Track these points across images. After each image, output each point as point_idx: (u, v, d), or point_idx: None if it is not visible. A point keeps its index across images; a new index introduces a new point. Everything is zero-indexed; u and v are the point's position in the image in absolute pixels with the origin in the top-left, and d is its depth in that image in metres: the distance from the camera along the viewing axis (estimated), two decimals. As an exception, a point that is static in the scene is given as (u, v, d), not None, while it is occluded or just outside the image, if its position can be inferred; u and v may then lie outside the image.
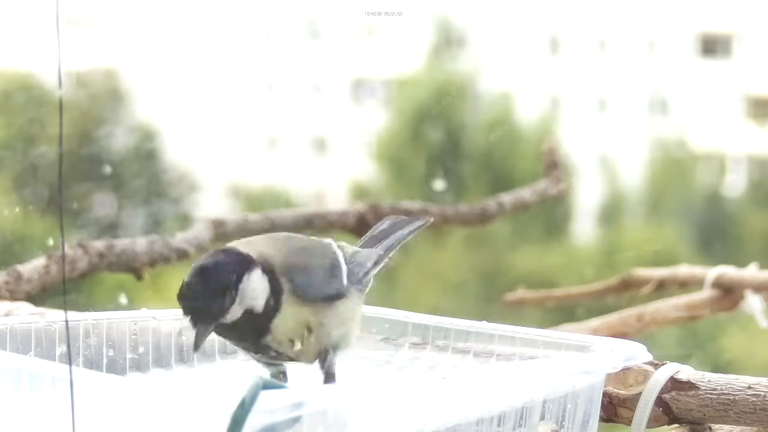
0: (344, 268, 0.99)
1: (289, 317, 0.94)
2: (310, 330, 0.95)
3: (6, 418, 0.81)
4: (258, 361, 0.98)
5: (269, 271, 0.93)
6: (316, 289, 0.96)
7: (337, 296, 0.97)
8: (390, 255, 1.06)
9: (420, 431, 0.81)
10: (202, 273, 0.90)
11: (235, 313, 0.91)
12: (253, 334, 0.94)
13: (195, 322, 0.90)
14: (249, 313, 0.92)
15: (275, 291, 0.93)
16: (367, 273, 1.02)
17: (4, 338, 0.96)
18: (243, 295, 0.91)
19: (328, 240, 1.03)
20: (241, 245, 0.96)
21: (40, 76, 2.93)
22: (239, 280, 0.91)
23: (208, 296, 0.90)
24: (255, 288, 0.92)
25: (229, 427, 0.68)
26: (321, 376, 0.97)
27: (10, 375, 0.81)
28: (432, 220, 1.14)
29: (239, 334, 0.94)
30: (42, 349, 0.98)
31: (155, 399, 0.75)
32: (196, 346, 0.90)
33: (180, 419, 0.72)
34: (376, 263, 1.03)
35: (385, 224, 1.10)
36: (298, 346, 0.95)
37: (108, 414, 0.76)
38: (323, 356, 0.97)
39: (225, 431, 0.68)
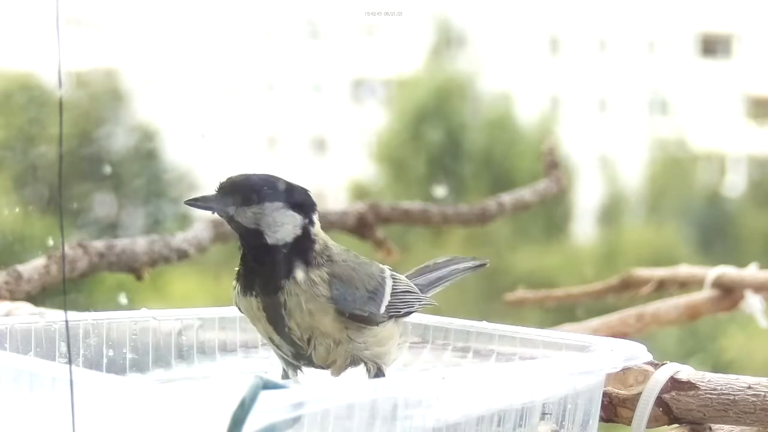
0: (387, 298, 0.99)
1: (306, 314, 0.94)
2: (337, 343, 0.95)
3: (6, 418, 0.81)
4: (280, 355, 0.98)
5: (308, 239, 0.95)
6: (347, 304, 0.96)
7: (369, 320, 0.97)
8: (436, 290, 1.09)
9: (421, 430, 0.81)
10: (260, 175, 0.95)
11: (245, 218, 0.93)
12: (263, 277, 0.94)
13: (218, 192, 0.93)
14: (258, 239, 0.93)
15: (294, 256, 0.94)
16: (410, 313, 1.03)
17: (4, 338, 0.96)
18: (264, 212, 0.93)
19: (385, 267, 1.03)
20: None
21: (40, 76, 2.93)
22: (273, 198, 0.94)
23: (242, 184, 0.94)
24: (282, 222, 0.94)
25: (229, 427, 0.68)
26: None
27: (11, 375, 0.81)
28: (487, 263, 1.15)
29: (248, 271, 0.95)
30: (42, 349, 0.98)
31: (155, 399, 0.74)
32: (194, 200, 0.93)
33: (180, 419, 0.72)
34: (420, 304, 1.05)
35: (442, 259, 1.13)
36: (321, 351, 0.95)
37: (108, 414, 0.76)
38: (371, 372, 0.98)
39: (225, 431, 0.68)
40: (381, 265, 1.03)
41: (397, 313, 1.00)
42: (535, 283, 2.16)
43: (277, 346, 0.97)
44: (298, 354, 0.96)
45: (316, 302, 0.94)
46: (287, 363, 0.99)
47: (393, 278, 1.02)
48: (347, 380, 0.99)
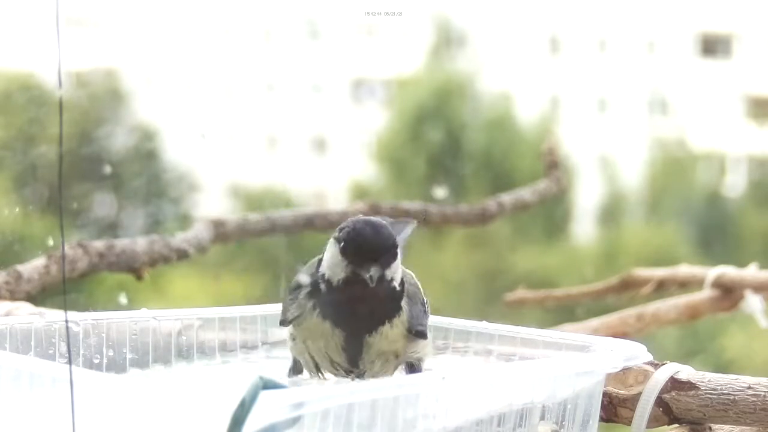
0: (428, 305, 1.00)
1: (386, 343, 0.94)
2: (397, 356, 0.96)
3: (6, 417, 0.81)
4: (319, 366, 0.98)
5: (403, 273, 0.95)
6: (414, 323, 0.96)
7: (424, 334, 0.97)
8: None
9: (421, 430, 0.81)
10: (375, 223, 0.93)
11: (390, 272, 0.92)
12: (367, 320, 0.93)
13: (374, 258, 0.91)
14: (386, 287, 0.92)
15: (401, 296, 0.94)
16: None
17: (4, 338, 0.96)
18: (396, 263, 0.93)
19: (410, 273, 1.01)
20: None
21: (40, 76, 2.93)
22: (396, 249, 0.93)
23: (386, 237, 0.92)
24: (398, 265, 0.93)
25: (229, 427, 0.68)
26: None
27: (10, 375, 0.81)
28: (420, 220, 1.13)
29: (352, 312, 0.93)
30: (42, 349, 0.98)
31: (155, 399, 0.75)
32: (373, 280, 0.90)
33: (180, 419, 0.72)
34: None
35: None
36: (378, 366, 0.95)
37: (108, 414, 0.76)
38: (412, 370, 0.98)
39: (225, 431, 0.68)
40: (407, 271, 1.01)
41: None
42: (535, 283, 2.16)
43: (332, 363, 0.96)
44: (352, 370, 0.96)
45: (398, 333, 0.95)
46: (322, 371, 0.98)
47: (413, 277, 1.01)
48: (347, 380, 0.99)
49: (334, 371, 0.97)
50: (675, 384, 0.97)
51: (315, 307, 0.95)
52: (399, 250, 0.93)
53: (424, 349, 0.98)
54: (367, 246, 0.92)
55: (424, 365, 0.99)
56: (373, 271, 0.91)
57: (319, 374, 0.98)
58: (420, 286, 1.00)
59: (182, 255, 1.65)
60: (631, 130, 6.50)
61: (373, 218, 0.94)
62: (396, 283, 0.93)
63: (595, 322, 1.70)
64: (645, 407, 0.96)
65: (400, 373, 0.99)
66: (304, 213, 1.86)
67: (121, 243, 1.59)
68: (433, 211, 2.05)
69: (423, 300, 0.99)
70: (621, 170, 6.41)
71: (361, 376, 0.96)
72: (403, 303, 0.95)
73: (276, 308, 1.02)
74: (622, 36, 6.45)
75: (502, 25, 6.31)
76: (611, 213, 6.31)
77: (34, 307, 1.24)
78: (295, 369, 1.01)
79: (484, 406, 0.85)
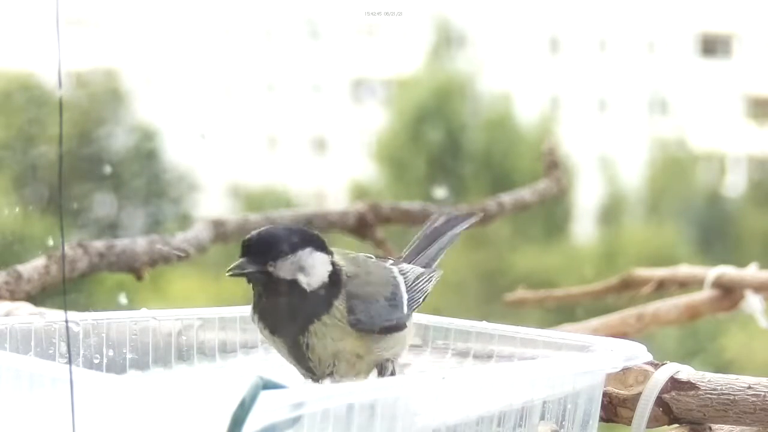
0: (405, 296, 0.99)
1: (329, 342, 0.94)
2: (360, 357, 0.95)
3: (6, 417, 0.81)
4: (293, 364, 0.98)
5: (337, 272, 0.95)
6: (374, 321, 0.95)
7: (396, 327, 0.97)
8: (439, 259, 1.07)
9: (421, 430, 0.81)
10: (276, 227, 0.95)
11: (284, 270, 0.92)
12: (290, 323, 0.94)
13: (247, 253, 0.92)
14: (294, 288, 0.92)
15: (329, 294, 0.94)
16: (426, 296, 1.02)
17: (4, 338, 0.96)
18: (299, 261, 0.93)
19: (389, 265, 1.02)
20: (337, 252, 0.97)
21: (40, 76, 2.93)
22: (303, 246, 0.93)
23: (270, 239, 0.93)
24: (314, 264, 0.93)
25: (229, 427, 0.68)
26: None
27: (10, 375, 0.81)
28: (482, 215, 1.13)
29: (276, 317, 0.94)
30: (42, 349, 0.98)
31: (155, 399, 0.74)
32: (232, 270, 0.92)
33: (180, 419, 0.72)
34: (432, 282, 1.04)
35: (439, 222, 1.10)
36: (343, 369, 0.95)
37: (108, 414, 0.76)
38: (387, 371, 0.97)
39: (225, 431, 0.68)
40: (386, 264, 1.02)
41: (417, 304, 1.00)
42: (535, 283, 2.16)
43: (297, 367, 0.97)
44: (316, 375, 0.96)
45: (338, 331, 0.94)
46: (305, 377, 0.99)
47: (401, 272, 1.01)
48: (347, 380, 0.99)
49: (307, 375, 0.97)
50: (675, 384, 0.97)
51: (256, 316, 0.96)
52: (310, 252, 0.93)
53: (393, 348, 0.97)
54: (254, 241, 0.93)
55: (398, 365, 0.98)
56: (242, 265, 0.92)
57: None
58: (399, 281, 0.99)
59: (182, 255, 1.65)
60: (631, 130, 6.50)
61: (287, 225, 0.97)
62: (309, 285, 0.93)
63: (595, 322, 1.70)
64: (645, 407, 0.96)
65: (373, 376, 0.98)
66: (304, 213, 1.86)
67: (121, 243, 1.59)
68: (433, 211, 2.05)
69: (393, 294, 0.98)
70: (621, 170, 6.41)
71: (332, 378, 0.96)
72: (338, 300, 0.94)
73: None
74: (622, 36, 6.45)
75: (502, 25, 6.31)
76: (611, 213, 6.31)
77: (34, 307, 1.24)
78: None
79: (484, 406, 0.85)
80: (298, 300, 0.93)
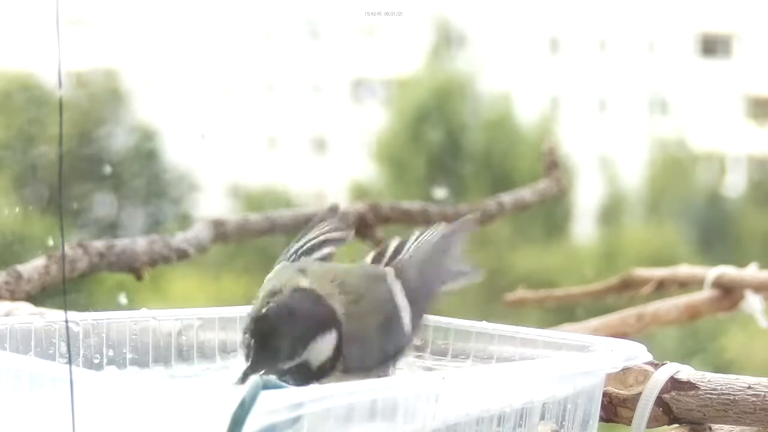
0: (406, 309, 0.93)
1: None
2: None
3: (6, 417, 0.81)
4: None
5: (340, 335, 0.87)
6: (366, 364, 0.90)
7: (395, 356, 0.93)
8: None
9: (420, 430, 0.81)
10: (284, 316, 0.86)
11: (294, 366, 0.86)
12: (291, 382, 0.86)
13: (254, 362, 0.85)
14: (302, 366, 0.86)
15: (333, 359, 0.87)
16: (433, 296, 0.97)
17: (4, 338, 0.96)
18: (310, 351, 0.86)
19: (383, 272, 0.94)
20: (321, 282, 0.89)
21: (40, 76, 2.93)
22: (315, 336, 0.86)
23: (280, 342, 0.86)
24: (322, 350, 0.87)
25: (229, 427, 0.68)
26: None
27: (10, 375, 0.81)
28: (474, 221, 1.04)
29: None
30: (42, 349, 0.98)
31: (155, 398, 0.74)
32: (241, 379, 0.83)
33: (180, 419, 0.72)
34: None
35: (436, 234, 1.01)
36: None
37: (108, 414, 0.76)
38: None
39: (225, 431, 0.68)
40: (378, 271, 0.95)
41: (421, 311, 0.95)
42: (535, 283, 2.16)
43: None
44: None
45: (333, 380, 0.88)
46: None
47: (398, 277, 0.95)
48: (347, 380, 0.99)
49: None
50: (675, 384, 0.97)
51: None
52: (316, 343, 0.86)
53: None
54: (264, 333, 0.86)
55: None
56: (248, 374, 0.83)
57: None
58: (396, 289, 0.93)
59: (182, 255, 1.65)
60: (631, 130, 6.50)
61: (297, 307, 0.87)
62: (320, 364, 0.86)
63: (595, 322, 1.70)
64: (645, 407, 0.96)
65: None
66: (304, 213, 1.86)
67: (121, 243, 1.59)
68: (433, 211, 2.05)
69: (390, 319, 0.92)
70: (621, 170, 6.41)
71: None
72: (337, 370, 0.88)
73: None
74: (622, 36, 6.45)
75: (502, 25, 6.31)
76: (611, 213, 6.31)
77: (34, 307, 1.24)
78: None
79: (484, 406, 0.85)
80: (300, 375, 0.86)
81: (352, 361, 0.88)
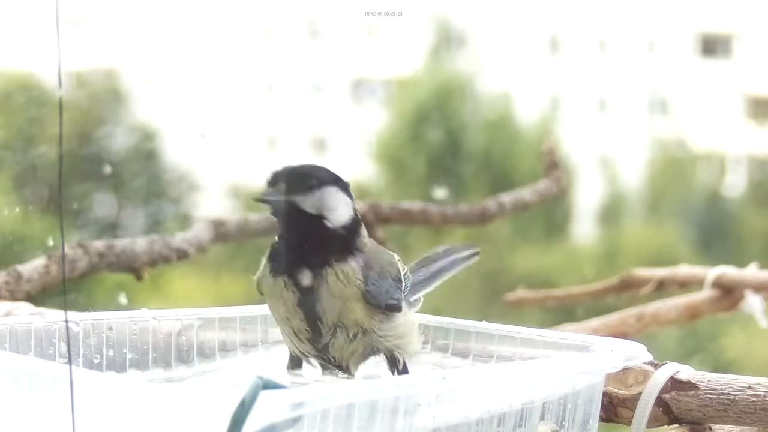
0: (403, 282, 1.01)
1: (338, 301, 0.95)
2: (361, 332, 0.96)
3: (6, 418, 0.81)
4: (293, 343, 0.98)
5: (359, 221, 0.97)
6: (382, 296, 0.97)
7: (397, 307, 0.98)
8: (439, 281, 1.09)
9: (421, 430, 0.81)
10: (304, 164, 0.97)
11: (309, 204, 0.94)
12: (307, 260, 0.94)
13: (274, 184, 0.94)
14: (316, 224, 0.94)
15: (348, 239, 0.95)
16: (417, 295, 1.04)
17: (4, 338, 0.96)
18: (324, 197, 0.94)
19: (393, 254, 1.04)
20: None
21: (40, 76, 2.93)
22: (329, 183, 0.95)
23: (297, 172, 0.95)
24: (338, 205, 0.95)
25: (229, 427, 0.68)
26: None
27: (10, 375, 0.81)
28: (479, 252, 1.14)
29: (293, 254, 0.95)
30: (42, 349, 0.98)
31: (155, 399, 0.74)
32: (259, 197, 0.94)
33: (180, 419, 0.72)
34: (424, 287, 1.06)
35: (441, 251, 1.12)
36: (340, 340, 0.95)
37: (108, 414, 0.76)
38: (392, 364, 0.98)
39: (225, 431, 0.68)
40: (387, 250, 1.04)
41: (408, 293, 1.02)
42: (535, 283, 2.16)
43: (295, 332, 0.97)
44: (315, 340, 0.96)
45: (352, 290, 0.95)
46: (300, 352, 0.99)
47: (400, 261, 1.03)
48: (347, 380, 0.99)
49: (302, 347, 0.98)
50: (675, 384, 0.97)
51: (268, 266, 0.98)
52: (336, 191, 0.95)
53: (397, 330, 0.98)
54: (283, 173, 0.96)
55: (408, 359, 0.99)
56: (268, 194, 0.94)
57: (305, 358, 0.99)
58: (400, 267, 1.01)
59: (182, 255, 1.66)
60: (631, 130, 6.50)
61: (314, 163, 0.98)
62: (331, 222, 0.95)
63: (595, 322, 1.70)
64: (645, 407, 0.96)
65: (379, 366, 0.99)
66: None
67: (121, 243, 1.59)
68: (433, 211, 2.05)
69: (398, 276, 1.00)
70: (621, 170, 6.41)
71: (326, 352, 0.96)
72: (354, 260, 0.95)
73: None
74: (622, 36, 6.44)
75: (502, 25, 6.31)
76: (611, 213, 6.30)
77: (34, 307, 1.24)
78: (292, 363, 1.02)
79: (484, 406, 0.85)
80: (319, 236, 0.95)
81: (371, 289, 0.95)
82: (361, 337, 0.96)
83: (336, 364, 0.98)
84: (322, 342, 0.96)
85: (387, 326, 0.97)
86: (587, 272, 4.61)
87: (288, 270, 0.95)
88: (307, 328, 0.96)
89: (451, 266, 1.10)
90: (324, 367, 1.00)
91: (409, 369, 1.00)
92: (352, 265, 0.95)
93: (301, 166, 0.96)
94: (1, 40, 3.10)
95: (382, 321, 0.97)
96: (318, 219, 0.94)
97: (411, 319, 1.00)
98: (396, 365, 0.98)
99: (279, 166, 0.96)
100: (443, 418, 0.82)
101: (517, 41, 6.30)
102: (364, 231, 0.99)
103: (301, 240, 0.95)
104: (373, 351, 0.98)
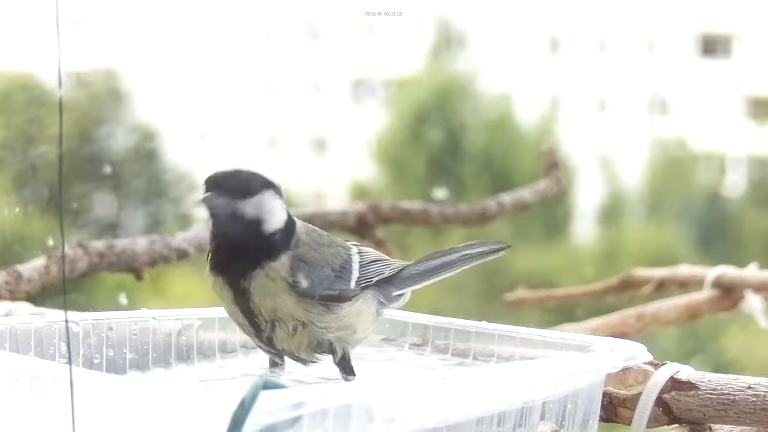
0: (356, 273, 1.00)
1: (269, 299, 0.96)
2: (301, 326, 0.96)
3: (6, 417, 0.81)
4: (257, 344, 1.00)
5: (292, 224, 0.98)
6: (314, 287, 0.97)
7: (339, 298, 0.98)
8: (442, 275, 1.07)
9: (420, 430, 0.81)
10: (241, 169, 0.97)
11: (248, 208, 0.95)
12: (238, 261, 0.96)
13: (215, 188, 0.94)
14: (252, 228, 0.95)
15: (280, 243, 0.96)
16: (382, 280, 1.03)
17: (4, 338, 0.96)
18: (260, 202, 0.95)
19: (350, 244, 1.04)
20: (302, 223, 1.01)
21: (40, 76, 2.93)
22: (266, 188, 0.96)
23: (238, 177, 0.96)
24: (273, 209, 0.96)
25: (229, 427, 0.68)
26: (339, 373, 0.99)
27: (11, 375, 0.81)
28: (507, 246, 1.12)
29: (227, 255, 0.97)
30: (42, 349, 0.98)
31: (155, 399, 0.74)
32: (201, 201, 0.94)
33: (180, 419, 0.72)
34: (392, 269, 1.04)
35: (454, 247, 1.10)
36: (281, 334, 0.96)
37: (108, 414, 0.76)
38: (337, 355, 0.98)
39: (225, 431, 0.68)
40: (346, 242, 1.04)
41: (368, 282, 1.01)
42: (535, 283, 2.16)
43: (242, 327, 1.00)
44: (259, 335, 0.98)
45: (280, 285, 0.96)
46: (266, 351, 1.01)
47: (360, 253, 1.03)
48: (347, 380, 0.99)
49: (253, 341, 1.00)
50: (675, 384, 0.97)
51: (209, 263, 1.00)
52: (272, 196, 0.97)
53: (338, 330, 0.98)
54: (220, 178, 0.96)
55: (353, 342, 0.99)
56: (211, 199, 0.94)
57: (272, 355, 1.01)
58: (354, 258, 1.01)
59: (182, 255, 1.65)
60: (631, 130, 6.50)
61: (249, 170, 0.99)
62: (268, 226, 0.96)
63: (595, 322, 1.70)
64: (645, 407, 0.96)
65: (321, 356, 0.99)
66: (304, 213, 1.86)
67: (121, 243, 1.59)
68: (433, 211, 2.05)
69: (344, 266, 1.00)
70: (621, 170, 6.41)
71: (272, 345, 0.98)
72: (285, 256, 0.96)
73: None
74: (622, 36, 6.44)
75: (502, 25, 6.31)
76: (611, 213, 6.30)
77: (34, 307, 1.24)
78: (272, 362, 1.03)
79: (484, 406, 0.85)
80: (253, 240, 0.96)
81: (299, 280, 0.96)
82: (301, 329, 0.97)
83: (293, 357, 0.99)
84: (264, 336, 0.98)
85: (328, 318, 0.98)
86: (587, 272, 4.61)
87: (222, 271, 0.98)
88: (249, 324, 0.98)
89: (460, 261, 1.08)
90: (275, 362, 1.02)
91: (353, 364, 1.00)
92: (282, 260, 0.96)
93: (239, 172, 0.97)
94: (1, 40, 3.10)
95: (321, 313, 0.97)
96: (256, 223, 0.96)
97: (359, 309, 1.00)
98: (335, 357, 0.99)
99: (215, 171, 0.97)
100: (443, 418, 0.82)
101: (517, 41, 6.30)
102: (301, 230, 1.00)
103: (237, 243, 0.96)
104: (318, 344, 0.98)
